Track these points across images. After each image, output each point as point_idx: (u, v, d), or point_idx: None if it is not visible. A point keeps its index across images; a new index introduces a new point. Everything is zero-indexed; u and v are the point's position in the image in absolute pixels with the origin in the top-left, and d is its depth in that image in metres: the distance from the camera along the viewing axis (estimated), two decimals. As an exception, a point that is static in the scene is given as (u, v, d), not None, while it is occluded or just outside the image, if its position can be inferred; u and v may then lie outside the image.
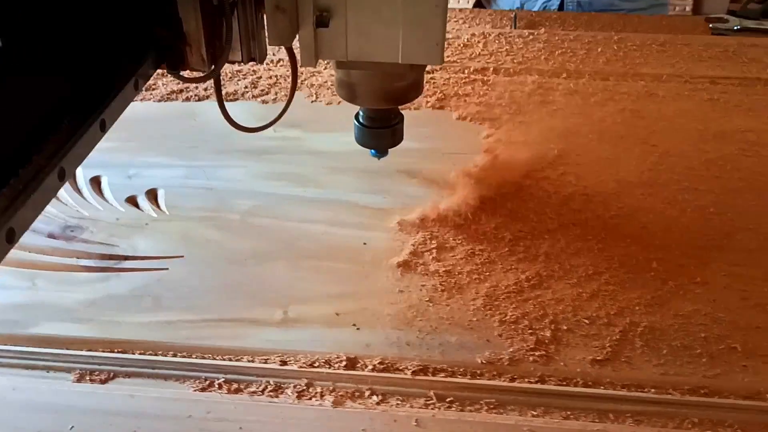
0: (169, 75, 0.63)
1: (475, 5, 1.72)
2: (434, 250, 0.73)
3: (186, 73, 0.62)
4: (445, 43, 1.11)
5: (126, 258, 0.72)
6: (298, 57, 0.64)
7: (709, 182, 0.81)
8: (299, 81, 1.02)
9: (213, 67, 0.60)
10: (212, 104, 0.96)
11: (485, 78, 1.03)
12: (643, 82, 1.01)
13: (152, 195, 0.81)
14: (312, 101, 0.98)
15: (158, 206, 0.80)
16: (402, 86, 0.72)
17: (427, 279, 0.69)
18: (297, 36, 0.63)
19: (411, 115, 0.94)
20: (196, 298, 0.68)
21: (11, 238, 0.42)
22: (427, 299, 0.67)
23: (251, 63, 1.05)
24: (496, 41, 1.12)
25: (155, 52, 0.60)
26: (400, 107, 0.77)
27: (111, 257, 0.73)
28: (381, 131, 0.79)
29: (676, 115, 0.93)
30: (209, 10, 0.58)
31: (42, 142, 0.46)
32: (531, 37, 1.14)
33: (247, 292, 0.69)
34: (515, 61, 1.07)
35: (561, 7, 1.54)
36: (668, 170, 0.83)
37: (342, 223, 0.77)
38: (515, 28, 1.24)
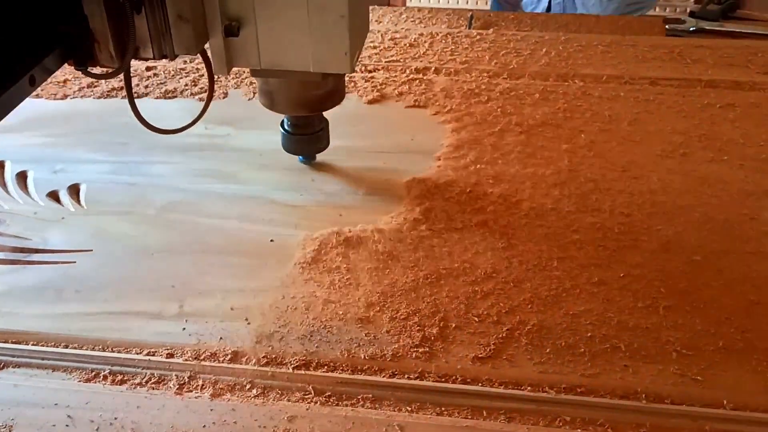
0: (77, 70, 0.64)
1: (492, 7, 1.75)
2: (340, 247, 0.73)
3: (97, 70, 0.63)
4: (392, 42, 1.11)
5: (36, 251, 0.74)
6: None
7: (625, 183, 0.81)
8: (240, 79, 1.03)
9: (121, 63, 0.61)
10: (148, 102, 0.98)
11: (425, 77, 1.03)
12: (582, 83, 1.01)
13: (74, 190, 0.82)
14: (249, 99, 0.99)
15: (78, 201, 0.81)
16: (319, 94, 0.74)
17: (328, 275, 0.70)
18: (207, 44, 0.64)
19: (344, 112, 0.95)
20: (97, 291, 0.69)
21: None
22: (324, 295, 0.68)
23: (197, 60, 1.07)
24: (443, 41, 1.13)
25: (62, 47, 0.60)
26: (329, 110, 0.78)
27: (21, 250, 0.74)
28: (305, 138, 0.81)
29: (606, 117, 0.93)
30: (115, 8, 0.59)
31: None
32: (478, 37, 1.14)
33: (148, 286, 0.69)
34: (458, 60, 1.07)
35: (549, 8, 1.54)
36: (587, 171, 0.83)
37: (254, 220, 0.78)
38: (470, 28, 1.24)
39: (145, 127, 0.70)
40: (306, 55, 0.63)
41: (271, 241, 0.75)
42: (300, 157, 0.85)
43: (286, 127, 0.80)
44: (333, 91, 0.75)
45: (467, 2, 2.76)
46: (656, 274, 0.70)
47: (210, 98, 0.73)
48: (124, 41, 0.60)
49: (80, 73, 0.99)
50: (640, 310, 0.66)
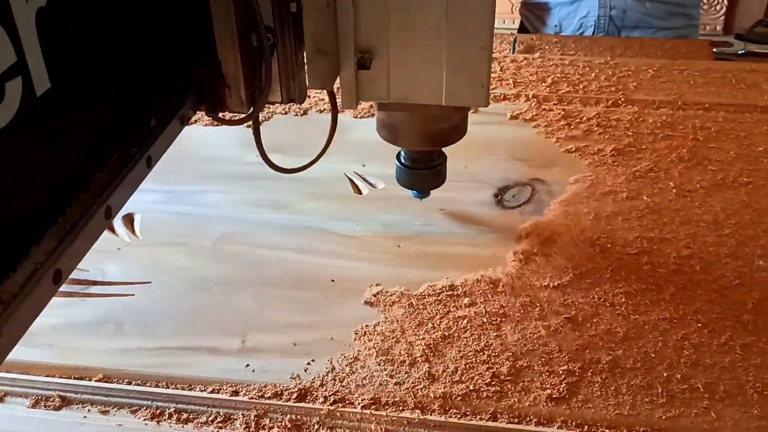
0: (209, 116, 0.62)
1: (519, 29, 1.72)
2: (403, 280, 0.72)
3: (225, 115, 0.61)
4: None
5: (94, 283, 0.73)
6: (339, 99, 0.63)
7: (688, 213, 0.79)
8: (288, 105, 1.03)
9: (252, 109, 0.59)
10: (199, 129, 0.98)
11: (474, 103, 1.02)
12: (636, 109, 0.99)
13: (129, 219, 0.82)
14: (296, 115, 0.99)
15: (133, 231, 0.80)
16: (445, 128, 0.70)
17: (391, 310, 0.69)
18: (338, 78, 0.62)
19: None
20: (157, 325, 0.68)
21: (58, 280, 0.42)
22: (389, 331, 0.67)
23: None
24: (490, 66, 1.11)
25: (195, 93, 0.58)
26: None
27: (80, 282, 0.73)
28: (423, 173, 0.76)
29: (663, 144, 0.91)
30: (249, 51, 0.57)
31: (88, 180, 0.47)
32: (525, 62, 1.13)
33: (208, 320, 0.69)
34: (506, 86, 1.06)
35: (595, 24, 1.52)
36: (648, 200, 0.81)
37: (313, 251, 0.77)
38: (513, 52, 1.23)
39: (272, 169, 0.69)
40: (438, 88, 0.61)
41: (332, 281, 0.73)
42: (415, 192, 0.79)
43: (403, 161, 0.75)
44: (459, 125, 0.71)
45: (504, 22, 2.75)
46: (730, 310, 0.67)
47: (332, 135, 0.72)
48: (256, 86, 0.58)
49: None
50: (716, 348, 0.64)
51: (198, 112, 0.62)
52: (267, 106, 1.02)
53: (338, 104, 0.66)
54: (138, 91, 0.53)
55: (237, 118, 0.61)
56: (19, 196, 0.41)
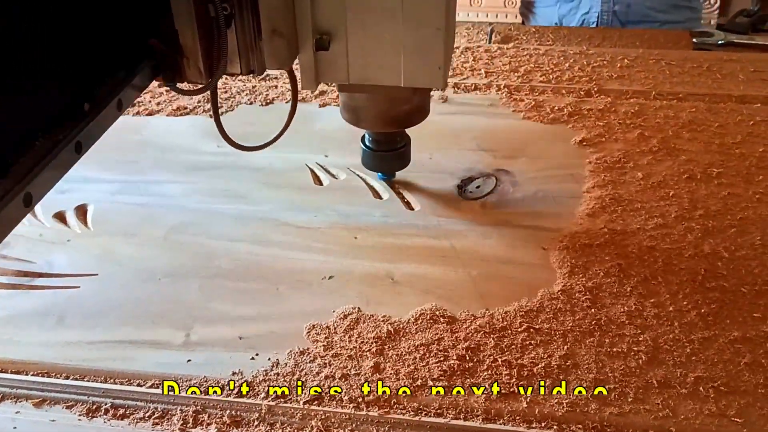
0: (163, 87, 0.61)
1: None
2: (357, 273, 0.70)
3: (183, 85, 0.61)
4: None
5: (40, 275, 0.71)
6: (299, 78, 0.63)
7: (656, 203, 0.77)
8: (253, 96, 1.01)
9: (210, 79, 0.59)
10: (160, 119, 0.96)
11: (444, 93, 1.00)
12: (608, 98, 0.97)
13: (81, 211, 0.80)
14: (262, 106, 0.97)
15: (85, 222, 0.78)
16: (406, 109, 0.71)
17: (344, 303, 0.67)
18: (296, 58, 0.62)
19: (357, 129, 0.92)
20: (100, 317, 0.66)
21: None
22: (339, 325, 0.64)
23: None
24: (462, 56, 1.09)
25: (151, 63, 0.58)
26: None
27: (25, 274, 0.71)
28: (388, 154, 0.77)
29: (635, 134, 0.89)
30: (206, 23, 0.57)
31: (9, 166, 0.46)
32: (499, 51, 1.11)
33: (154, 313, 0.66)
34: (477, 76, 1.04)
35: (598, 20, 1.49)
36: (614, 190, 0.79)
37: (265, 242, 0.74)
38: (490, 42, 1.21)
39: (230, 145, 0.68)
40: (397, 69, 0.61)
41: (283, 273, 0.71)
42: (380, 174, 0.82)
43: (367, 143, 0.77)
44: (420, 106, 0.72)
45: (497, 16, 2.70)
46: (691, 304, 0.65)
47: (293, 114, 0.71)
48: (213, 57, 0.58)
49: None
50: (674, 343, 0.62)
51: (158, 100, 0.60)
52: (232, 96, 1.01)
53: (298, 84, 0.66)
54: (89, 62, 0.52)
55: (195, 88, 0.60)
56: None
